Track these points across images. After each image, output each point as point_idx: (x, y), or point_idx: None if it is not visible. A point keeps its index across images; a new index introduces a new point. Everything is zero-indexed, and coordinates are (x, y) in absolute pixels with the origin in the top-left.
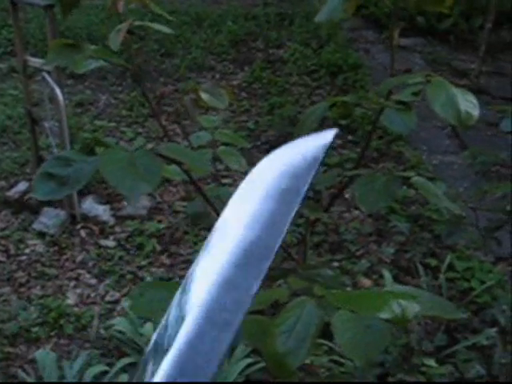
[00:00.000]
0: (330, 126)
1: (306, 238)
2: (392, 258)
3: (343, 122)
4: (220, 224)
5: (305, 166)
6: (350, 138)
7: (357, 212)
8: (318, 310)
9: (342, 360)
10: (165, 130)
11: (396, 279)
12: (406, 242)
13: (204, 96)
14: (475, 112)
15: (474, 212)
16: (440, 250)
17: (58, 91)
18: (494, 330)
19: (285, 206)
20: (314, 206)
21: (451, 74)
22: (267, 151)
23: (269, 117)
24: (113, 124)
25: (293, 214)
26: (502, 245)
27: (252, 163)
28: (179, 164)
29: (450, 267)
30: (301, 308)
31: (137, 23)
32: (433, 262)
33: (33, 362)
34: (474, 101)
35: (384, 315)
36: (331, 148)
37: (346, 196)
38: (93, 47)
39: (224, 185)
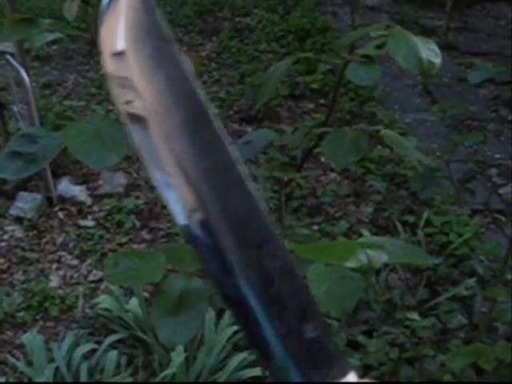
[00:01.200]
0: (301, 90)
1: (281, 199)
2: (370, 217)
3: (315, 86)
4: None
5: None
6: (322, 101)
7: (333, 174)
8: None
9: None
10: None
11: None
12: (384, 200)
13: None
14: (437, 60)
15: (446, 165)
16: (417, 206)
17: (23, 73)
18: (473, 280)
19: None
20: (285, 168)
21: (420, 32)
22: (241, 120)
23: (240, 86)
24: (82, 103)
25: None
26: (475, 195)
27: (227, 133)
28: None
29: (428, 223)
30: None
31: None
32: (411, 219)
33: (21, 346)
34: (436, 49)
35: (351, 264)
36: (304, 113)
37: (322, 160)
38: (48, 21)
39: None
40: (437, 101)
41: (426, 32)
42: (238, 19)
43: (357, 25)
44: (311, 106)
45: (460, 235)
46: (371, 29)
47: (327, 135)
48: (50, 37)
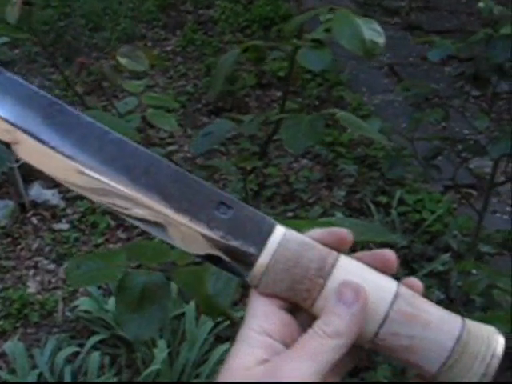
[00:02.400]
0: (268, 79)
1: (246, 187)
2: (344, 200)
3: (281, 74)
4: None
5: None
6: (290, 88)
7: (305, 161)
8: None
9: None
10: (81, 98)
11: None
12: (356, 183)
13: (122, 60)
14: (380, 40)
15: (411, 143)
16: (389, 186)
17: None
18: (448, 255)
19: None
20: (247, 157)
21: (383, 14)
22: (210, 112)
23: (207, 78)
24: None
25: None
26: (442, 172)
27: (196, 126)
28: None
29: (401, 202)
30: None
31: None
32: (383, 199)
33: (3, 355)
34: (379, 29)
35: None
36: (273, 101)
37: None
38: None
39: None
40: (403, 80)
41: (390, 13)
42: (200, 12)
43: (305, 9)
44: (279, 93)
45: (433, 212)
46: (315, 12)
47: (284, 121)
48: None
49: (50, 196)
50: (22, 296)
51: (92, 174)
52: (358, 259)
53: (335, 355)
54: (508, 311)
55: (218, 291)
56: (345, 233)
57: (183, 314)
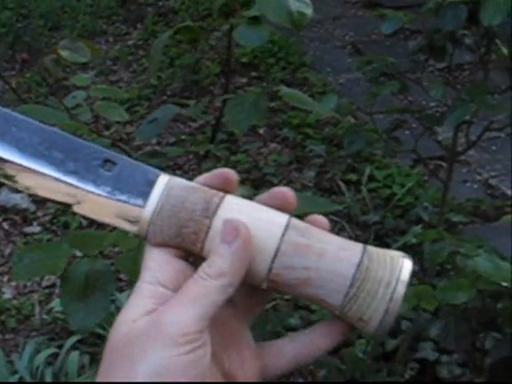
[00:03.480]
0: (232, 66)
1: (202, 171)
2: (314, 181)
3: (245, 60)
4: None
5: None
6: (253, 74)
7: (273, 145)
8: None
9: None
10: (16, 93)
11: None
12: (325, 163)
13: (64, 53)
14: (308, 11)
15: (370, 117)
16: (358, 164)
17: None
18: (420, 227)
19: None
20: (199, 141)
21: None
22: (176, 104)
23: (170, 69)
24: (11, 108)
25: None
26: (401, 143)
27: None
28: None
29: (371, 178)
30: None
31: None
32: (353, 177)
33: None
34: (307, 0)
35: None
36: (238, 88)
37: (261, 132)
38: None
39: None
40: (370, 60)
41: None
42: (160, 3)
43: None
44: (244, 80)
45: (403, 186)
46: None
47: (228, 102)
48: None
49: (20, 200)
50: None
51: None
52: (256, 201)
53: (220, 296)
54: (471, 277)
55: None
56: (228, 172)
57: None
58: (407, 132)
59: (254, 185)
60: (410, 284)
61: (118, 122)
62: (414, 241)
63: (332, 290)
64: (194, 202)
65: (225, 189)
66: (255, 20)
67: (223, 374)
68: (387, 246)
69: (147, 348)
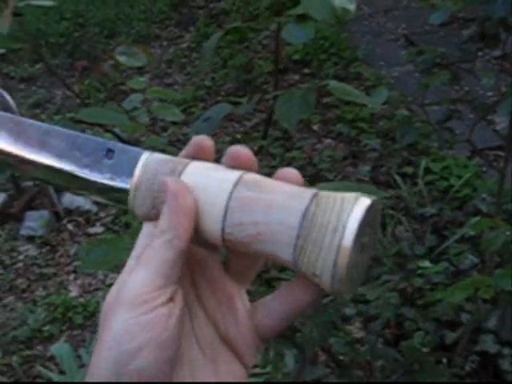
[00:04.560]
0: (285, 64)
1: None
2: (370, 175)
3: (296, 58)
4: None
5: None
6: (306, 71)
7: (328, 140)
8: None
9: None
10: (80, 97)
11: None
12: (380, 157)
13: (121, 59)
14: (351, 6)
15: (422, 109)
16: (414, 157)
17: (5, 95)
18: (478, 218)
19: None
20: (252, 136)
21: None
22: (231, 103)
23: (223, 70)
24: (71, 115)
25: None
26: (456, 135)
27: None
28: (106, 128)
29: (427, 171)
30: None
31: (19, 4)
32: (409, 170)
33: (52, 358)
34: None
35: None
36: (291, 85)
37: (315, 128)
38: None
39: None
40: (422, 51)
41: None
42: (211, 5)
43: None
44: (296, 77)
45: (460, 177)
46: None
47: (278, 98)
48: None
49: (82, 202)
50: (65, 300)
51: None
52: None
53: (167, 252)
54: None
55: None
56: (199, 139)
57: None
58: (464, 123)
59: (309, 181)
60: (471, 276)
61: (174, 124)
62: (472, 233)
63: (282, 244)
64: (163, 173)
65: (201, 156)
66: (302, 18)
67: (220, 337)
68: (445, 238)
69: (111, 315)
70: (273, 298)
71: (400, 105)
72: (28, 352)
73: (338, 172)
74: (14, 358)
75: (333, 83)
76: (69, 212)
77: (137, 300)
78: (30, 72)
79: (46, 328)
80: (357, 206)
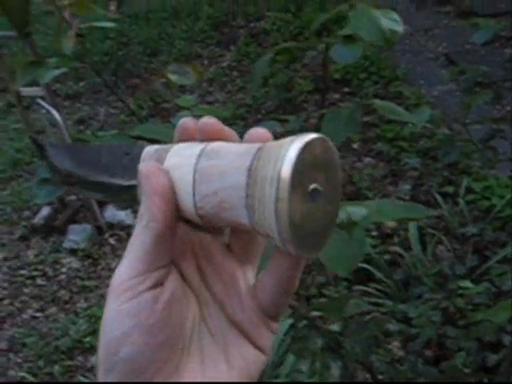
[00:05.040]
0: (325, 83)
1: None
2: (410, 194)
3: (337, 76)
4: None
5: None
6: (346, 90)
7: (368, 159)
8: None
9: (379, 301)
10: (134, 113)
11: None
12: (421, 176)
13: (172, 77)
14: (399, 28)
15: (464, 128)
16: (455, 176)
17: (54, 113)
18: None
19: None
20: None
21: (435, 3)
22: (277, 121)
23: (264, 89)
24: (115, 131)
25: None
26: (498, 153)
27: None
28: (158, 142)
29: (469, 190)
30: None
31: (83, 25)
32: (450, 190)
33: (92, 369)
34: (397, 17)
35: None
36: (331, 104)
37: (355, 146)
38: (54, 59)
39: None
40: (464, 70)
41: (442, 2)
42: (252, 25)
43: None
44: (336, 96)
45: (502, 197)
46: (337, 10)
47: (325, 116)
48: (56, 72)
49: (124, 216)
50: None
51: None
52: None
53: (145, 236)
54: None
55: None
56: (183, 121)
57: None
58: (507, 142)
59: (348, 199)
60: (433, 255)
61: None
62: None
63: (238, 208)
64: (155, 159)
65: (186, 138)
66: (349, 38)
67: (229, 321)
68: (487, 258)
69: (104, 307)
70: (264, 273)
71: (441, 124)
72: (69, 362)
73: (377, 190)
74: (56, 367)
75: (378, 102)
76: (111, 226)
77: (120, 288)
78: (75, 89)
79: (87, 339)
80: (291, 147)
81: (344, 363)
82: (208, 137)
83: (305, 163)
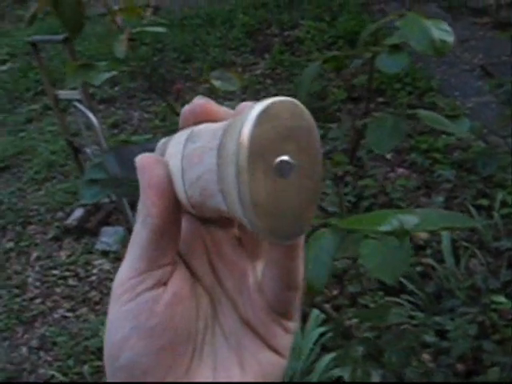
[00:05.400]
0: (359, 92)
1: (340, 192)
2: (443, 205)
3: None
4: None
5: None
6: (380, 99)
7: (401, 170)
8: (333, 236)
9: (411, 313)
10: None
11: None
12: (455, 188)
13: (216, 83)
14: (449, 38)
15: (504, 140)
16: (490, 189)
17: (91, 116)
18: None
19: None
20: (338, 162)
21: (471, 15)
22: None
23: (297, 97)
24: (149, 136)
25: None
26: None
27: None
28: None
29: (504, 204)
30: (319, 238)
31: (134, 30)
32: (485, 203)
33: None
34: (447, 28)
35: (384, 228)
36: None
37: (388, 157)
38: (104, 62)
39: None
40: (501, 82)
41: (478, 13)
42: (286, 33)
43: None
44: (370, 105)
45: None
46: (386, 19)
47: (369, 124)
48: (107, 76)
49: None
50: None
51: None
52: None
53: (142, 232)
54: None
55: (313, 273)
56: (183, 110)
57: None
58: None
59: (381, 210)
60: (466, 269)
61: None
62: None
63: (216, 193)
64: (161, 153)
65: (194, 123)
66: (395, 48)
67: (242, 321)
68: None
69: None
70: (264, 267)
71: (480, 134)
72: (98, 362)
73: (410, 202)
74: (86, 367)
75: (422, 111)
76: None
77: (118, 290)
78: (110, 94)
79: None
80: (251, 113)
81: (384, 372)
82: (201, 119)
83: (267, 131)
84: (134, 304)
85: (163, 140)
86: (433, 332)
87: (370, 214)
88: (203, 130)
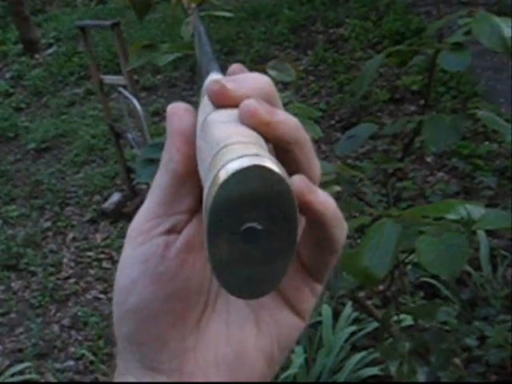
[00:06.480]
0: (401, 93)
1: (388, 189)
2: None
3: (415, 88)
4: None
5: None
6: (423, 102)
7: (441, 174)
8: (396, 226)
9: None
10: None
11: (489, 233)
12: (495, 195)
13: (272, 73)
14: None
15: None
16: None
17: (135, 102)
18: None
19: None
20: (387, 159)
21: None
22: (343, 128)
23: (339, 95)
24: None
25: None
26: None
27: (330, 142)
28: None
29: None
30: (382, 227)
31: (201, 13)
32: None
33: None
34: None
35: (451, 217)
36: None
37: (428, 160)
38: (166, 44)
39: None
40: None
41: None
42: (331, 31)
43: (443, 14)
44: (412, 108)
45: None
46: (454, 16)
47: (425, 121)
48: (171, 57)
49: None
50: None
51: None
52: None
53: (163, 177)
54: None
55: (375, 263)
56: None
57: (320, 322)
58: None
59: None
60: (503, 278)
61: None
62: None
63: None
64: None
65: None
66: (458, 46)
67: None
68: None
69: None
70: (302, 231)
71: None
72: None
73: None
74: (115, 349)
75: (482, 113)
76: None
77: (134, 232)
78: (152, 82)
79: None
80: (218, 176)
81: (430, 370)
82: (217, 103)
83: (235, 196)
84: (145, 248)
85: (210, 77)
86: (474, 336)
87: (435, 204)
88: (208, 127)
